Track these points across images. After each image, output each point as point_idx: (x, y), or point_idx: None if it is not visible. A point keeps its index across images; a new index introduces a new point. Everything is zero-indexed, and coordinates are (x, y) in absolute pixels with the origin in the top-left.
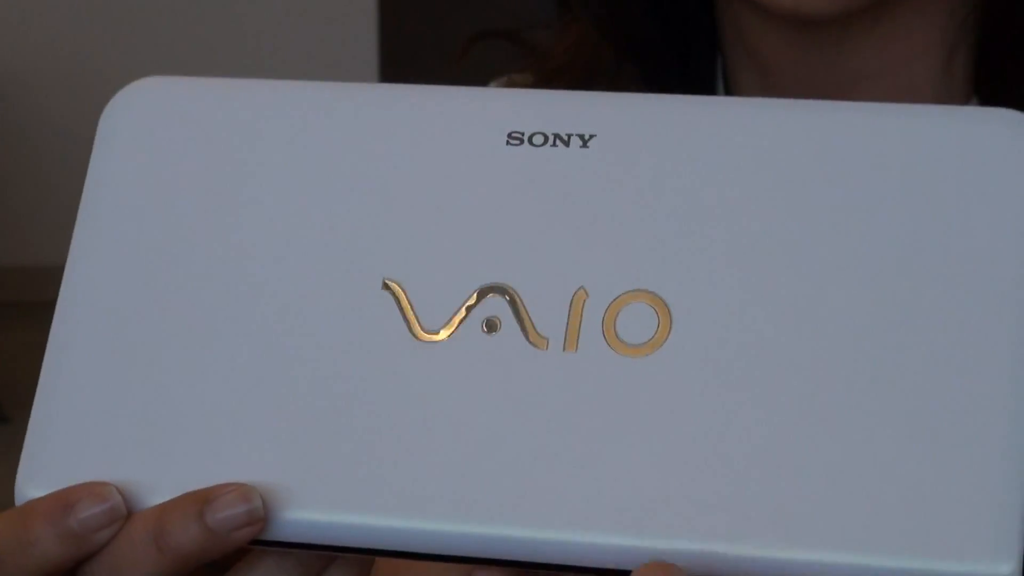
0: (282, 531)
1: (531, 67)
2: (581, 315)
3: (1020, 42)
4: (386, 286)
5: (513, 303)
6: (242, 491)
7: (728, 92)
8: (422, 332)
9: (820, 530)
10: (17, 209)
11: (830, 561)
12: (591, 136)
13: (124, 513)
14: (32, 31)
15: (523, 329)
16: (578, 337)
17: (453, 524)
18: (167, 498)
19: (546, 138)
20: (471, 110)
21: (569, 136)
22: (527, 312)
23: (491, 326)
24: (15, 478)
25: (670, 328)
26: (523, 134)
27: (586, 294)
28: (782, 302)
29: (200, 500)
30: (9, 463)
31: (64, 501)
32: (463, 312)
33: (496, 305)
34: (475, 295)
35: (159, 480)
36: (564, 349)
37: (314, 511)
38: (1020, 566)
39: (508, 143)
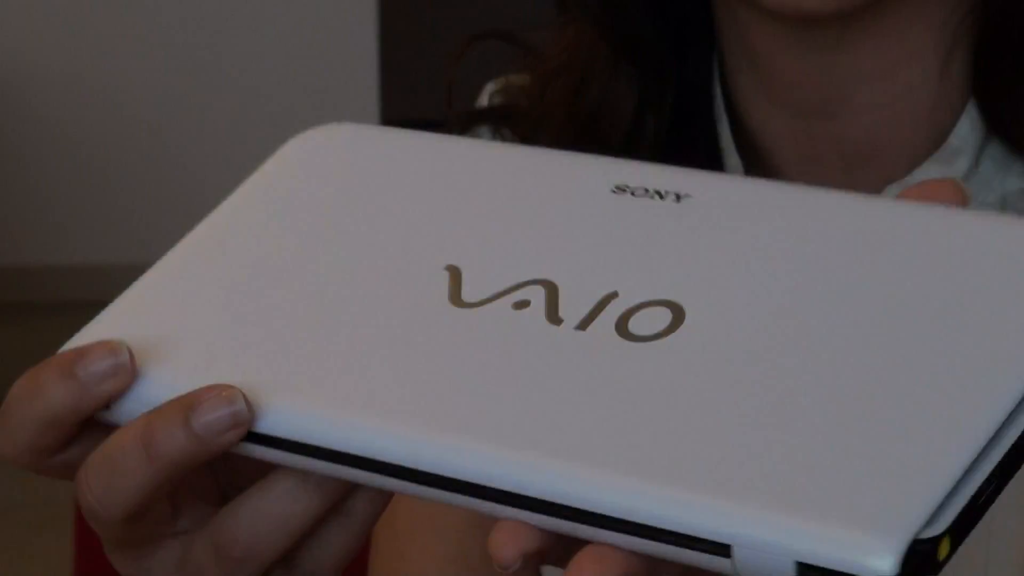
0: (275, 425)
1: (528, 68)
2: (603, 309)
3: (1017, 44)
4: (449, 268)
5: (550, 293)
6: (225, 394)
7: (725, 93)
8: (460, 301)
9: (734, 480)
10: (17, 209)
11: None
12: (686, 195)
13: (129, 369)
14: (32, 31)
15: (547, 311)
16: (592, 323)
17: (435, 434)
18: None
19: (647, 191)
20: (588, 167)
21: (667, 192)
22: (558, 301)
23: (520, 304)
24: (14, 478)
25: (676, 331)
26: (628, 187)
27: (616, 295)
28: (780, 321)
29: (185, 406)
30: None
31: (76, 354)
32: (502, 292)
33: (534, 293)
34: (520, 284)
35: (187, 369)
36: (575, 328)
37: (306, 407)
38: (898, 564)
39: (612, 192)
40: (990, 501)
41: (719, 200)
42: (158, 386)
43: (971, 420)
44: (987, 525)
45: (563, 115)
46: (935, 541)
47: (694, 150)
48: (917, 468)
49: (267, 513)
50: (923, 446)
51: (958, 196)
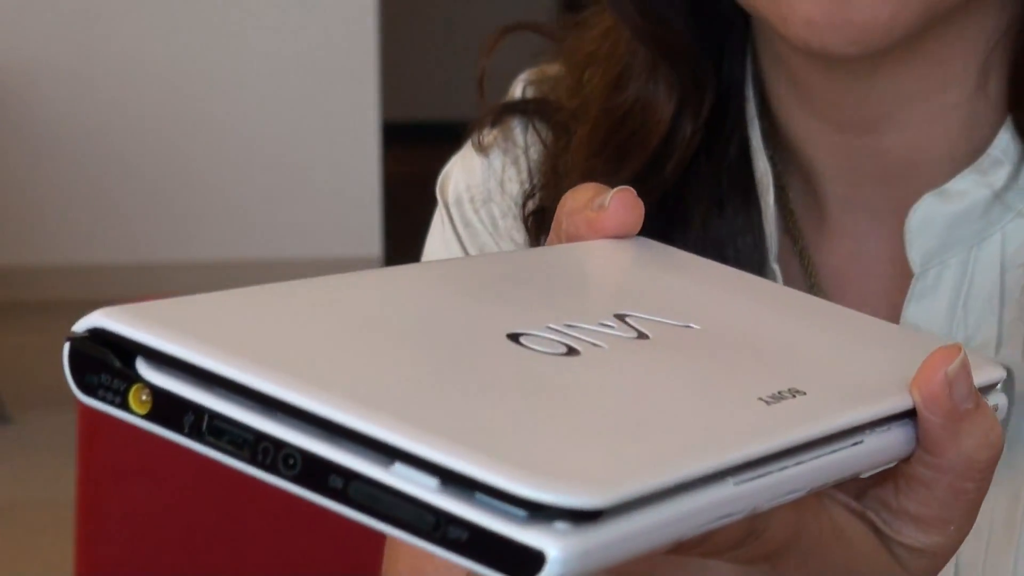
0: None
1: (562, 59)
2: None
3: None
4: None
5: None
6: None
7: (760, 98)
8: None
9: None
10: (17, 209)
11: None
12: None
13: None
14: (32, 30)
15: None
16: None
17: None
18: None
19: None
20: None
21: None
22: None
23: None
24: (15, 478)
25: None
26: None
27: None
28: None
29: None
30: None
31: None
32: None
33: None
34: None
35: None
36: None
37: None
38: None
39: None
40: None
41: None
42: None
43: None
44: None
45: (599, 110)
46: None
47: (725, 152)
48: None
49: None
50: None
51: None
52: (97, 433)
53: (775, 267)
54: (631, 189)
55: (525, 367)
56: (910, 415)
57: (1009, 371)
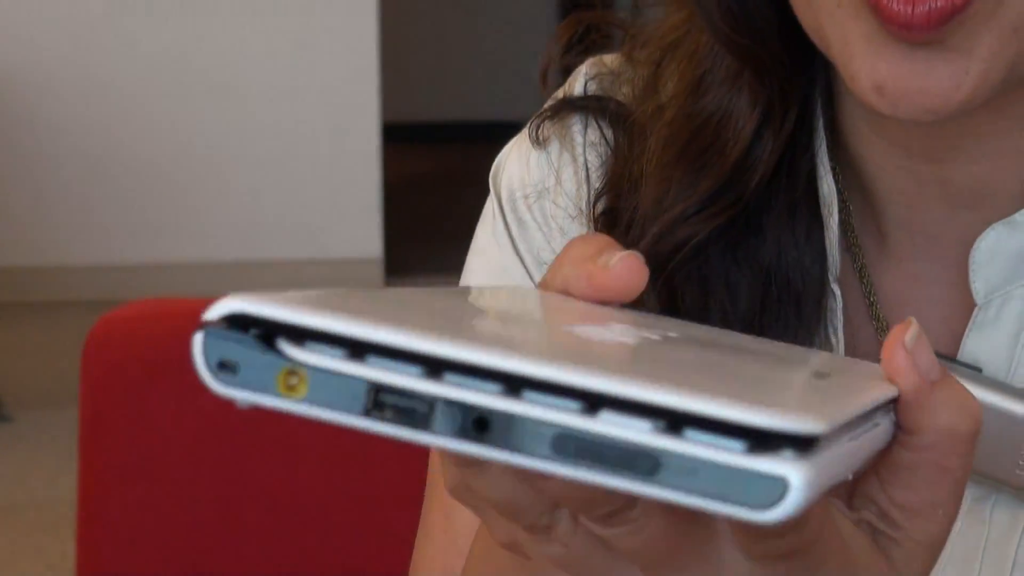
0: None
1: (624, 52)
2: None
3: None
4: None
5: None
6: None
7: (833, 112)
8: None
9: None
10: (17, 209)
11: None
12: None
13: None
14: (32, 31)
15: None
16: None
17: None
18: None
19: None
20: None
21: None
22: None
23: None
24: (15, 478)
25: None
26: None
27: None
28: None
29: None
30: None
31: None
32: None
33: None
34: None
35: None
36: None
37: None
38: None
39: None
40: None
41: None
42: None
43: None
44: None
45: (677, 114)
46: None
47: (800, 169)
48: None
49: None
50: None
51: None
52: (97, 433)
53: (835, 288)
54: (639, 255)
55: (658, 345)
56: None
57: None
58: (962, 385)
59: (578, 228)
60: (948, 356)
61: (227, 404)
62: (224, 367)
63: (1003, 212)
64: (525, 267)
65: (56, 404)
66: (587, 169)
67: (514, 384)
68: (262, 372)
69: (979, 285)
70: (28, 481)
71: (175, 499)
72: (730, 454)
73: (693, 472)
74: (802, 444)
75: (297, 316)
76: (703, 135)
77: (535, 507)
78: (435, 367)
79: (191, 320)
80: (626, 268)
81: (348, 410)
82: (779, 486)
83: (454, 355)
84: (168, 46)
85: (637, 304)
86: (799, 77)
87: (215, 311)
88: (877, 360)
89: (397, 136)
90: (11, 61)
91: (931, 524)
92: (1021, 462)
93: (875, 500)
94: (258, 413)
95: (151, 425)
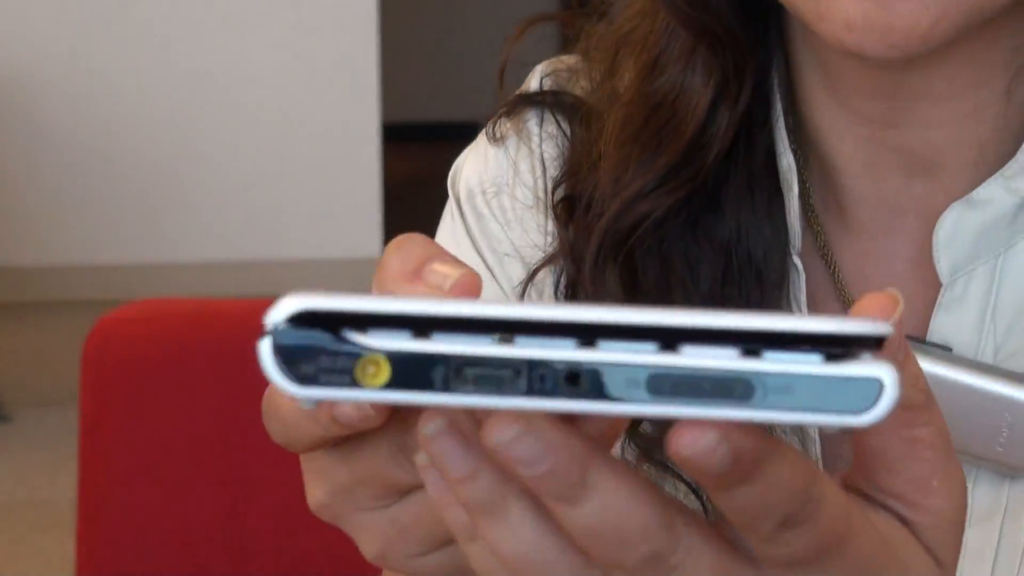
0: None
1: (582, 50)
2: None
3: None
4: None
5: None
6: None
7: (790, 85)
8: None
9: None
10: (17, 209)
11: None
12: None
13: None
14: (32, 31)
15: None
16: None
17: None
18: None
19: None
20: None
21: None
22: None
23: None
24: (15, 478)
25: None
26: None
27: None
28: None
29: None
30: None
31: None
32: None
33: None
34: None
35: None
36: None
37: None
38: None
39: None
40: None
41: None
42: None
43: None
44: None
45: (633, 95)
46: None
47: (759, 144)
48: None
49: None
50: None
51: (892, 308)
52: (97, 433)
53: (797, 261)
54: (477, 275)
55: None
56: None
57: None
58: (916, 361)
59: (536, 217)
60: (917, 337)
61: (227, 404)
62: (297, 368)
63: (959, 181)
64: (487, 265)
65: (56, 404)
66: (543, 159)
67: (588, 336)
68: (340, 366)
69: (943, 264)
70: (28, 481)
71: (175, 499)
72: (824, 365)
73: (789, 389)
74: (878, 343)
75: (364, 305)
76: (659, 113)
77: (494, 488)
78: (508, 331)
79: (191, 320)
80: (463, 292)
81: (431, 388)
82: (873, 388)
83: (526, 316)
84: (168, 46)
85: (598, 282)
86: (753, 52)
87: (279, 313)
88: None
89: (397, 136)
90: (11, 61)
91: (934, 499)
92: (1001, 439)
93: (871, 495)
94: (256, 413)
95: (151, 425)
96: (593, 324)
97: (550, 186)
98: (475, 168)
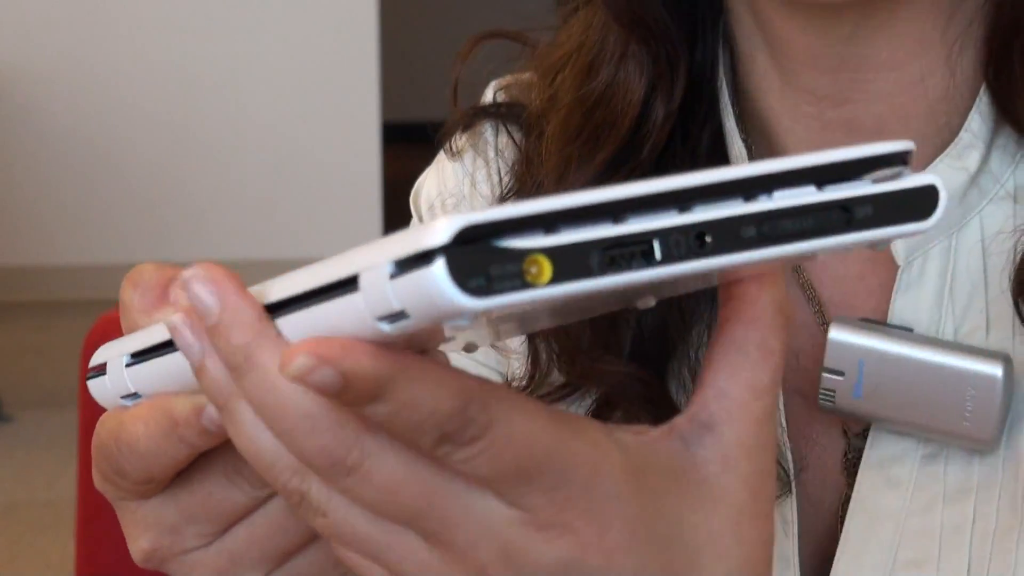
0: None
1: (533, 65)
2: None
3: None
4: None
5: None
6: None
7: (733, 78)
8: None
9: None
10: (17, 209)
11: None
12: None
13: None
14: (32, 31)
15: None
16: None
17: None
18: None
19: None
20: None
21: None
22: None
23: None
24: (15, 478)
25: None
26: None
27: None
28: None
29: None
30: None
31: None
32: None
33: None
34: None
35: None
36: None
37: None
38: None
39: None
40: None
41: None
42: None
43: None
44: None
45: (572, 98)
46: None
47: (700, 137)
48: None
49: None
50: None
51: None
52: None
53: None
54: (214, 264)
55: None
56: None
57: (1007, 357)
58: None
59: None
60: (879, 321)
61: None
62: (472, 280)
63: None
64: None
65: (56, 404)
66: (499, 170)
67: (686, 201)
68: (511, 270)
69: (899, 245)
70: (28, 481)
71: None
72: (896, 182)
73: (875, 209)
74: (903, 163)
75: (514, 212)
76: (596, 111)
77: (287, 467)
78: (621, 212)
79: None
80: (210, 283)
81: (590, 275)
82: (932, 194)
83: (638, 192)
84: (168, 46)
85: None
86: (686, 44)
87: (443, 233)
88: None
89: (397, 136)
90: (11, 60)
91: (745, 422)
92: (967, 412)
93: (701, 389)
94: None
95: None
96: (690, 188)
97: (505, 194)
98: (435, 183)
